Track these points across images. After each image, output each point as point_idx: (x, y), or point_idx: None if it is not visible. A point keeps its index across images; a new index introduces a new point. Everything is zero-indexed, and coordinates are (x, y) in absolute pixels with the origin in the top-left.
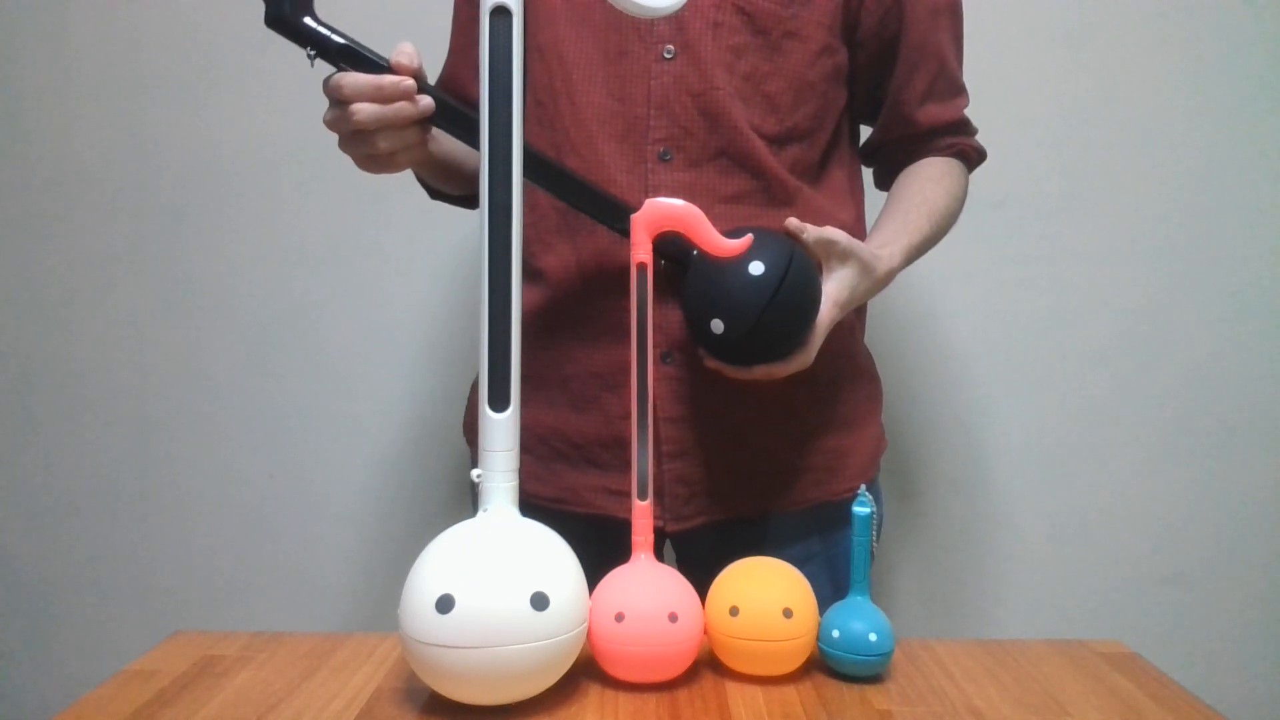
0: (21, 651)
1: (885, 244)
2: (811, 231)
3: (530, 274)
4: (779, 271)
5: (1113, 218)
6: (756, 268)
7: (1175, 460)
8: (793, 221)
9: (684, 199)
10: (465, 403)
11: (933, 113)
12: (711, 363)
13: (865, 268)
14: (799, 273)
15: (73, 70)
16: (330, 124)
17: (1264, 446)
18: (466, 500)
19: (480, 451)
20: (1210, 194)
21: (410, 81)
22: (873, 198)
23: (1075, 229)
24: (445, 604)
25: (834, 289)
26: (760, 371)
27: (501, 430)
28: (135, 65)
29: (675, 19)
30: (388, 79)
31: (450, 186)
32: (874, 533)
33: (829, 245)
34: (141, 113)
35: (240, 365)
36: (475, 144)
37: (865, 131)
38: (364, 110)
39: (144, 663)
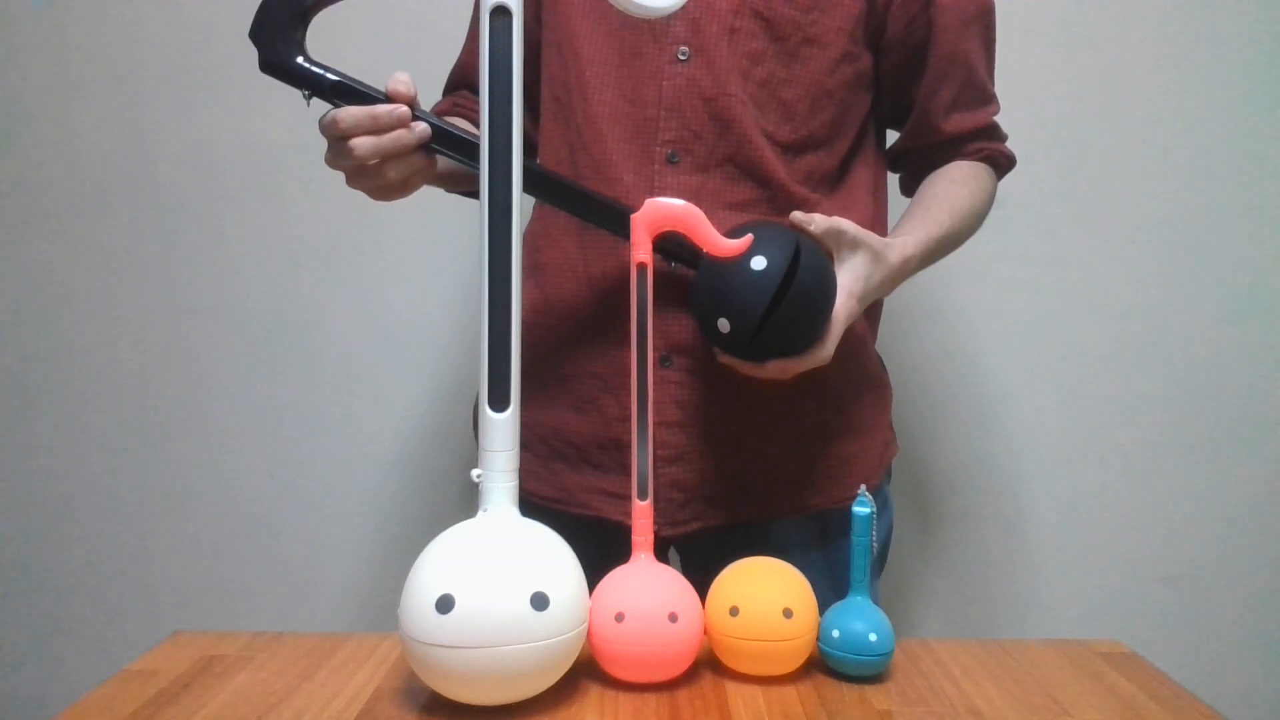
0: (21, 651)
1: (900, 234)
2: (819, 222)
3: (532, 268)
4: (782, 266)
5: (1113, 218)
6: (759, 263)
7: (1175, 460)
8: (798, 215)
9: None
10: (467, 402)
11: (960, 121)
12: (725, 358)
13: (877, 256)
14: (809, 266)
15: (73, 70)
16: (332, 163)
17: (1264, 446)
18: (466, 500)
19: (480, 451)
20: (1210, 194)
21: (404, 108)
22: (898, 204)
23: (1075, 229)
24: (445, 604)
25: (848, 280)
26: (773, 367)
27: (501, 430)
28: (135, 65)
29: (691, 21)
30: (382, 108)
31: (463, 187)
32: (872, 534)
33: (837, 235)
34: (141, 113)
35: (240, 365)
36: (473, 165)
37: (891, 136)
38: (363, 144)
39: (144, 663)
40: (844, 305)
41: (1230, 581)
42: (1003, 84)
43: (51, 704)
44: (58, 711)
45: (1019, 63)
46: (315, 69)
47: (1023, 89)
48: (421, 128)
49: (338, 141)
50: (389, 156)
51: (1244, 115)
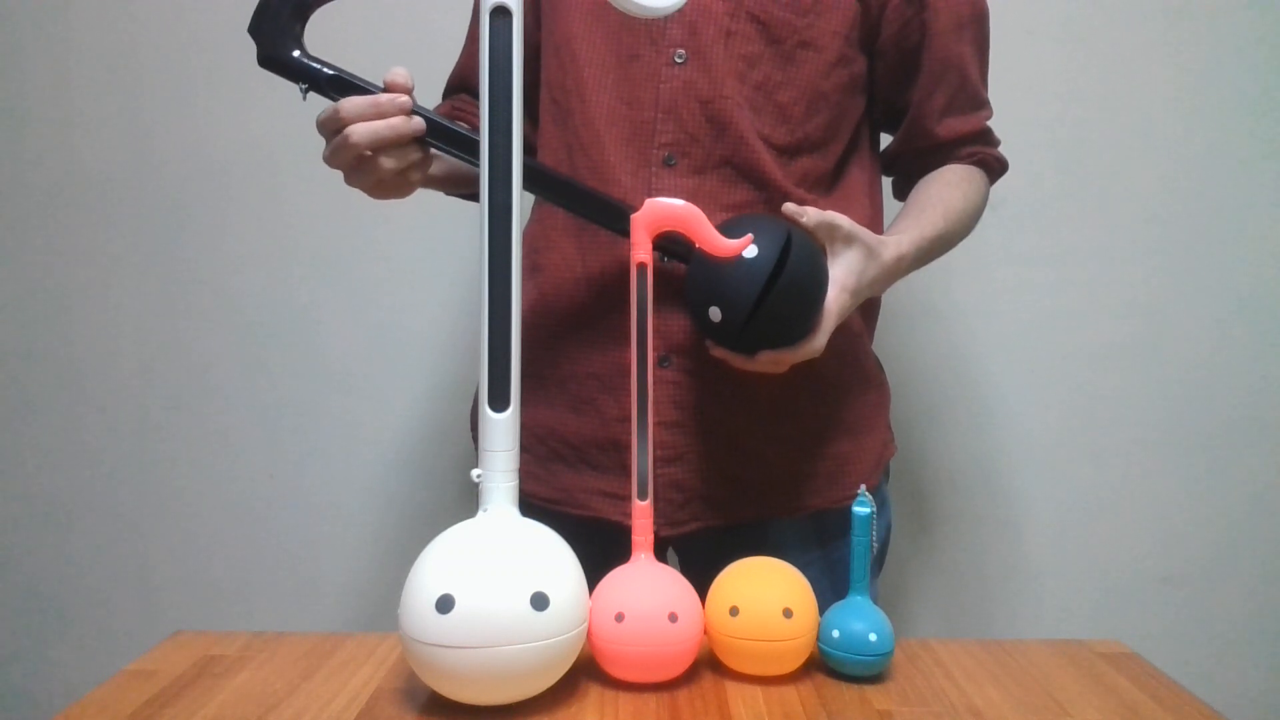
0: (21, 652)
1: (895, 233)
2: (812, 215)
3: (531, 269)
4: (773, 255)
5: (1113, 218)
6: (750, 252)
7: (1175, 460)
8: (790, 206)
9: None
10: (466, 402)
11: (953, 125)
12: (717, 351)
13: (870, 251)
14: (800, 256)
15: (73, 70)
16: (330, 158)
17: (1264, 446)
18: (466, 500)
19: (480, 451)
20: (1210, 194)
21: (406, 98)
22: (892, 207)
23: (1075, 229)
24: (445, 604)
25: (840, 273)
26: (765, 359)
27: (501, 430)
28: (135, 65)
29: (687, 24)
30: (384, 96)
31: (461, 190)
32: (872, 534)
33: (831, 229)
34: (141, 113)
35: (240, 365)
36: (469, 159)
37: (885, 139)
38: (360, 131)
39: (144, 663)
40: (836, 298)
41: (1230, 581)
42: (1003, 84)
43: (51, 704)
44: (58, 711)
45: (1019, 63)
46: (313, 63)
47: (1023, 89)
48: (418, 121)
49: (335, 135)
50: (385, 146)
51: (1244, 115)
